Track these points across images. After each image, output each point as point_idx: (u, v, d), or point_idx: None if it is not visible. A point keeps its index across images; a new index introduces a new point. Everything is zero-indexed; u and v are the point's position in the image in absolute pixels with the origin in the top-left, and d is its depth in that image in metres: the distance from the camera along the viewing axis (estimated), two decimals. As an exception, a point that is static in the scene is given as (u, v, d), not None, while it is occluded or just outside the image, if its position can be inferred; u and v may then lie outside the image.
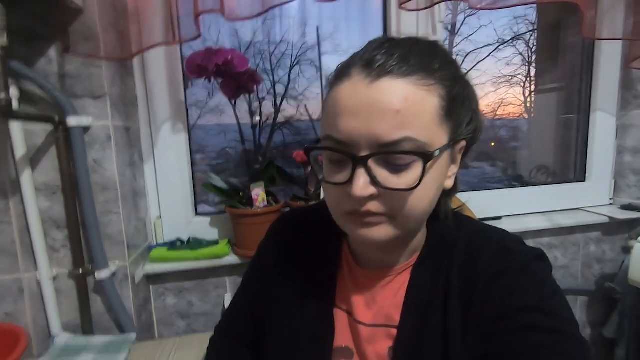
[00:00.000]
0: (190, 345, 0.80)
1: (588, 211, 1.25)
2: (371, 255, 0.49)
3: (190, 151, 1.06)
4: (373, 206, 0.39)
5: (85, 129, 0.79)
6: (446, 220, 0.47)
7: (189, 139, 1.05)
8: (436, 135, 0.38)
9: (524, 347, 0.36)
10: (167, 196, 1.02)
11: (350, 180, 0.38)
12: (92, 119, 0.79)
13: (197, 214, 1.09)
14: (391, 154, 0.37)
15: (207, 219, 1.06)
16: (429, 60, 0.39)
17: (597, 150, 1.27)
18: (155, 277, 0.98)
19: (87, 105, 0.79)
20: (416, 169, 0.38)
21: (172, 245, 0.98)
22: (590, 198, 1.29)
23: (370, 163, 0.37)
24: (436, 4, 0.88)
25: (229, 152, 1.25)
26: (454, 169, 0.44)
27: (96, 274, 0.80)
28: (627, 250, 1.25)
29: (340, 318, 0.50)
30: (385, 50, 0.38)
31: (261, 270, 0.58)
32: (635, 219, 1.20)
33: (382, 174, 0.38)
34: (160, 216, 1.03)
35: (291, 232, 0.57)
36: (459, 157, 0.44)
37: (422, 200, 0.40)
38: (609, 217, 1.19)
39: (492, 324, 0.39)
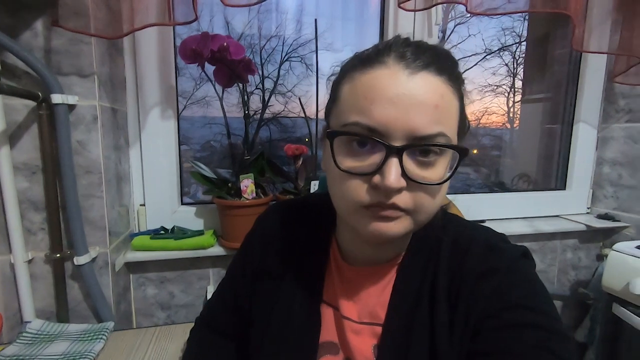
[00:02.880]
0: (170, 335, 0.78)
1: (567, 219, 1.30)
2: (360, 251, 0.49)
3: (179, 137, 1.03)
4: (398, 199, 0.38)
5: (71, 108, 0.76)
6: (433, 218, 0.48)
7: (178, 126, 1.02)
8: (455, 136, 0.40)
9: (512, 345, 0.37)
10: (153, 183, 0.99)
11: (377, 171, 0.37)
12: (78, 98, 0.76)
13: (182, 203, 1.06)
14: (430, 146, 0.37)
15: (193, 209, 1.03)
16: (453, 65, 0.40)
17: (578, 160, 1.31)
18: (136, 266, 0.95)
19: (73, 84, 0.76)
20: (440, 166, 0.38)
21: (156, 233, 0.96)
22: (569, 206, 1.33)
23: (403, 155, 0.37)
24: (434, 5, 0.89)
25: (214, 145, 1.23)
26: None
27: (75, 259, 0.77)
28: (600, 257, 1.30)
29: (326, 313, 0.50)
30: (413, 48, 0.39)
31: (247, 262, 0.57)
32: (610, 228, 1.25)
33: (411, 167, 0.38)
34: (144, 203, 1.00)
35: (279, 225, 0.56)
36: None
37: (441, 196, 0.41)
38: (585, 225, 1.23)
39: (480, 322, 0.39)
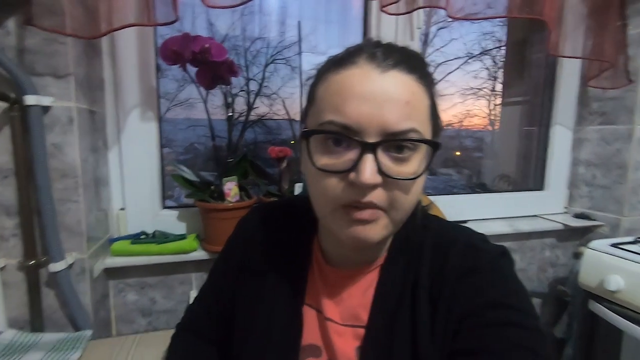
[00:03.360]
0: (151, 342, 0.76)
1: (545, 218, 1.33)
2: (342, 254, 0.49)
3: (160, 141, 1.01)
4: (375, 197, 0.38)
5: (45, 110, 0.73)
6: (413, 219, 0.48)
7: (159, 128, 1.00)
8: (428, 132, 0.41)
9: (491, 343, 0.37)
10: (133, 187, 0.97)
11: (353, 168, 0.37)
12: (53, 99, 0.73)
13: (164, 207, 1.04)
14: (403, 141, 0.38)
15: (175, 213, 1.01)
16: (422, 65, 0.42)
17: (555, 161, 1.35)
18: (116, 272, 0.93)
19: (48, 85, 0.73)
20: (414, 162, 0.39)
21: (136, 238, 0.93)
22: (547, 206, 1.37)
23: (378, 151, 0.37)
24: (417, 9, 0.91)
25: (198, 148, 1.21)
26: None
27: (50, 266, 0.75)
28: (577, 255, 1.34)
29: (309, 315, 0.50)
30: (384, 49, 0.40)
31: (229, 265, 0.56)
32: (586, 227, 1.29)
33: (386, 163, 0.38)
34: (124, 208, 0.97)
35: (261, 227, 0.55)
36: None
37: (417, 193, 0.41)
38: (563, 224, 1.27)
39: (461, 320, 0.40)
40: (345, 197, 0.38)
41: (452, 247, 0.45)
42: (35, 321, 0.77)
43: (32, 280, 0.76)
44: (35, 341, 0.73)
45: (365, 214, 0.38)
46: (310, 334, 0.49)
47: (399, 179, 0.38)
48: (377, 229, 0.40)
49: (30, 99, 0.70)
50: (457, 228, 0.49)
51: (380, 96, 0.37)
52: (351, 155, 0.38)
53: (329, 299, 0.49)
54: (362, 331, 0.46)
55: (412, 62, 0.40)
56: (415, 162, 0.39)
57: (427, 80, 0.41)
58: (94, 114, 0.86)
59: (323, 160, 0.39)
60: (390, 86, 0.37)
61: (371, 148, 0.37)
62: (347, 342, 0.46)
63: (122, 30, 0.74)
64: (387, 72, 0.38)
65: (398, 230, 0.48)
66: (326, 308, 0.48)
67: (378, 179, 0.37)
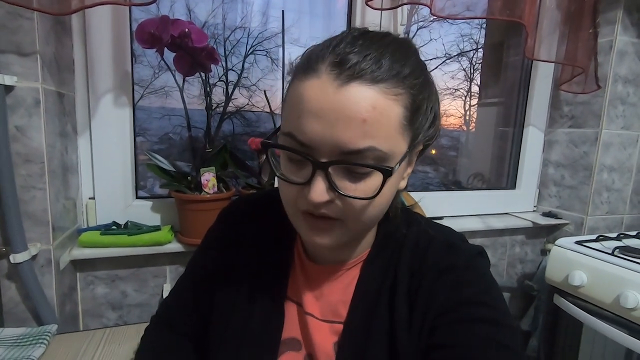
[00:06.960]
0: (122, 337, 0.73)
1: (515, 216, 1.38)
2: (320, 252, 0.49)
3: (134, 127, 0.97)
4: (328, 210, 0.38)
5: (8, 89, 0.68)
6: (395, 218, 0.48)
7: (133, 115, 0.96)
8: (397, 144, 0.38)
9: (466, 338, 0.38)
10: (104, 175, 0.92)
11: (308, 182, 0.37)
12: (17, 78, 0.68)
13: (137, 197, 1.00)
14: (353, 164, 0.36)
15: (149, 203, 0.98)
16: (401, 64, 0.37)
17: (527, 161, 1.40)
18: (84, 264, 0.88)
19: (11, 62, 0.68)
20: (375, 178, 0.37)
21: (107, 229, 0.89)
22: (518, 204, 1.42)
23: (331, 169, 0.36)
24: (401, 5, 0.91)
25: (173, 138, 1.17)
26: (409, 170, 0.45)
27: (11, 257, 0.70)
28: (544, 252, 1.41)
29: (290, 310, 0.49)
30: (358, 48, 0.36)
31: (209, 256, 0.55)
32: (553, 225, 1.35)
33: (341, 181, 0.37)
34: (94, 197, 0.93)
35: (243, 220, 0.54)
36: (415, 159, 0.45)
37: (378, 207, 0.40)
38: (532, 222, 1.32)
39: (437, 317, 0.41)
40: (302, 205, 0.39)
41: (431, 245, 0.45)
42: (-6, 315, 0.73)
43: (-10, 271, 0.71)
44: (-7, 336, 0.69)
45: (320, 223, 0.40)
46: (291, 328, 0.48)
47: (350, 197, 0.37)
48: (333, 237, 0.40)
49: (-10, 77, 0.65)
50: (438, 227, 0.50)
51: (334, 114, 0.34)
52: (307, 170, 0.37)
53: (309, 293, 0.48)
54: (340, 327, 0.46)
55: (387, 67, 0.36)
56: (375, 180, 0.37)
57: (403, 84, 0.37)
58: (63, 97, 0.81)
59: (285, 168, 0.40)
60: (345, 102, 0.34)
61: (322, 167, 0.36)
62: (326, 337, 0.46)
63: (95, 8, 0.71)
64: (344, 86, 0.35)
65: (380, 228, 0.48)
66: (307, 302, 0.48)
67: (326, 197, 0.37)
